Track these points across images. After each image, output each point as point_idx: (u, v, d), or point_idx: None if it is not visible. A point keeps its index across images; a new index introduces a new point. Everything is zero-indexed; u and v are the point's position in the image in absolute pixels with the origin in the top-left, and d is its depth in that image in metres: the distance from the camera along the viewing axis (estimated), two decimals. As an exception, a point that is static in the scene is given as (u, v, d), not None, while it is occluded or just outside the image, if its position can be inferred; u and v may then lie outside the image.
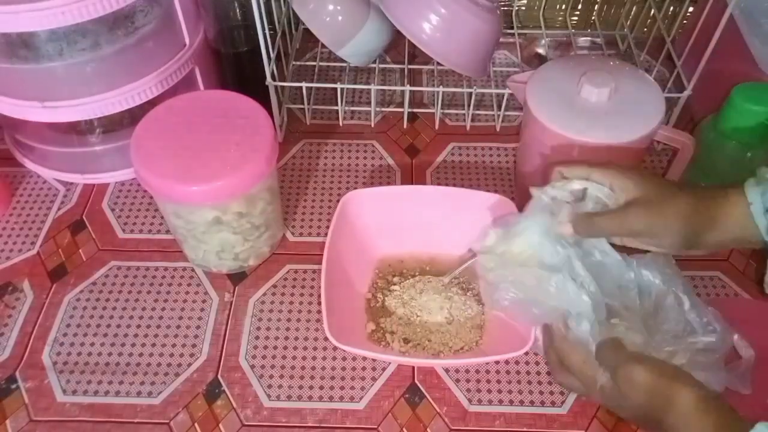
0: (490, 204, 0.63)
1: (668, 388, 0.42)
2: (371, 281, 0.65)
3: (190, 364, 0.60)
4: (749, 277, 0.67)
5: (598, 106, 0.59)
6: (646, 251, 0.52)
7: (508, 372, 0.60)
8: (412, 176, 0.76)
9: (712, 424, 0.40)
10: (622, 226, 0.49)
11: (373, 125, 0.82)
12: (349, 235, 0.63)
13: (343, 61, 0.79)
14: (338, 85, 0.76)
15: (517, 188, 0.74)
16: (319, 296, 0.63)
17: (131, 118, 0.73)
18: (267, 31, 0.69)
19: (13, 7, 0.56)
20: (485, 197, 0.63)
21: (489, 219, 0.62)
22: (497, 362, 0.60)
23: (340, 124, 0.82)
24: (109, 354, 0.61)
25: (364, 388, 0.59)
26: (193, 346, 0.61)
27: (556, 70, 0.64)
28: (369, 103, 0.83)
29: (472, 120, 0.82)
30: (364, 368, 0.60)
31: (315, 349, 0.61)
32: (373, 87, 0.79)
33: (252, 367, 0.60)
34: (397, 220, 0.65)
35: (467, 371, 0.59)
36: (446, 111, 0.84)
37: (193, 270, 0.67)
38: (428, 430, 0.56)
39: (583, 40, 0.93)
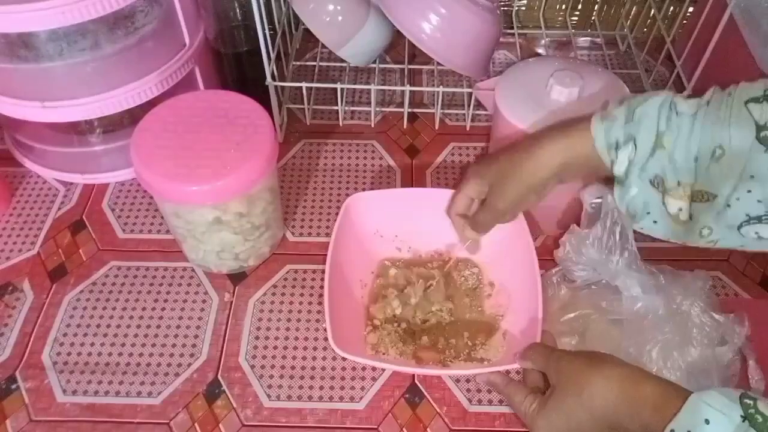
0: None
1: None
2: (373, 284, 0.64)
3: (190, 364, 0.60)
4: (749, 277, 0.67)
5: (568, 106, 0.60)
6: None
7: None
8: (412, 176, 0.76)
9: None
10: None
11: (373, 125, 0.82)
12: (352, 238, 0.62)
13: (343, 61, 0.79)
14: (338, 85, 0.76)
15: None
16: (319, 296, 0.64)
17: (131, 118, 0.73)
18: (267, 31, 0.69)
19: (13, 7, 0.56)
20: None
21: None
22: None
23: (340, 124, 0.82)
24: (109, 354, 0.61)
25: (364, 388, 0.59)
26: (193, 346, 0.61)
27: (523, 73, 0.65)
28: (369, 103, 0.83)
29: (472, 120, 0.82)
30: (364, 368, 0.60)
31: (315, 349, 0.61)
32: (373, 87, 0.79)
33: (252, 367, 0.60)
34: (399, 222, 0.64)
35: (467, 371, 0.59)
36: (446, 111, 0.84)
37: (193, 270, 0.67)
38: (428, 430, 0.56)
39: (583, 40, 0.93)
